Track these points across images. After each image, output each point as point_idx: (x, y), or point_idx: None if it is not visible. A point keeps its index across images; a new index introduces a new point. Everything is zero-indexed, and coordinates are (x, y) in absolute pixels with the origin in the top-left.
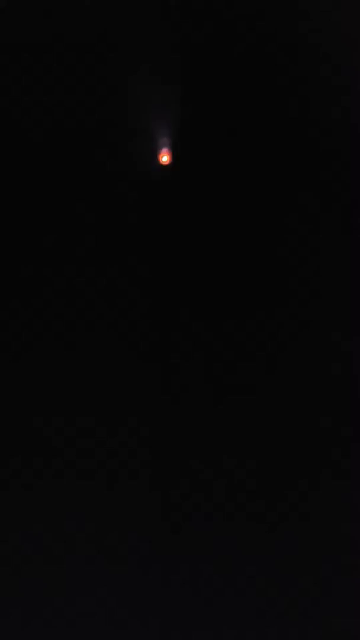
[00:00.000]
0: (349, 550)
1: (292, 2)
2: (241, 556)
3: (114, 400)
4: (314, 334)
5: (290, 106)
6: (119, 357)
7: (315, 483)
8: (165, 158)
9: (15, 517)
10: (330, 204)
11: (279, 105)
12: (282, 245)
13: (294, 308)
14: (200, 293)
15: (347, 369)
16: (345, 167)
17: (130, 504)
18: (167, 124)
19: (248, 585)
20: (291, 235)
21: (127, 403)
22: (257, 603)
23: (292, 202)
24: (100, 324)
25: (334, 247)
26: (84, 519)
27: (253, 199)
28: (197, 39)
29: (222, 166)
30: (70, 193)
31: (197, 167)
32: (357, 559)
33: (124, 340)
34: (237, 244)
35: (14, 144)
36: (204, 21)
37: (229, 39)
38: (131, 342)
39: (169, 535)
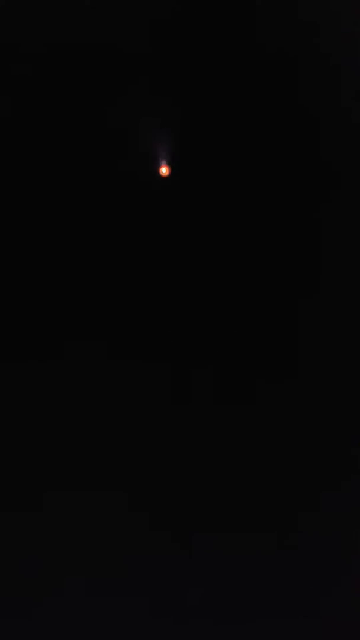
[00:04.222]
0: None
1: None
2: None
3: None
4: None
5: (293, 113)
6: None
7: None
8: (164, 170)
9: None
10: (333, 213)
11: (280, 113)
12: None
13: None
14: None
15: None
16: (350, 179)
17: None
18: (167, 135)
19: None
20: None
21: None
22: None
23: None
24: (100, 333)
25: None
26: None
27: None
28: (198, 47)
29: (221, 176)
30: (72, 204)
31: (196, 178)
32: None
33: (124, 348)
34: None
35: (14, 145)
36: (204, 30)
37: (229, 47)
38: (133, 350)
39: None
